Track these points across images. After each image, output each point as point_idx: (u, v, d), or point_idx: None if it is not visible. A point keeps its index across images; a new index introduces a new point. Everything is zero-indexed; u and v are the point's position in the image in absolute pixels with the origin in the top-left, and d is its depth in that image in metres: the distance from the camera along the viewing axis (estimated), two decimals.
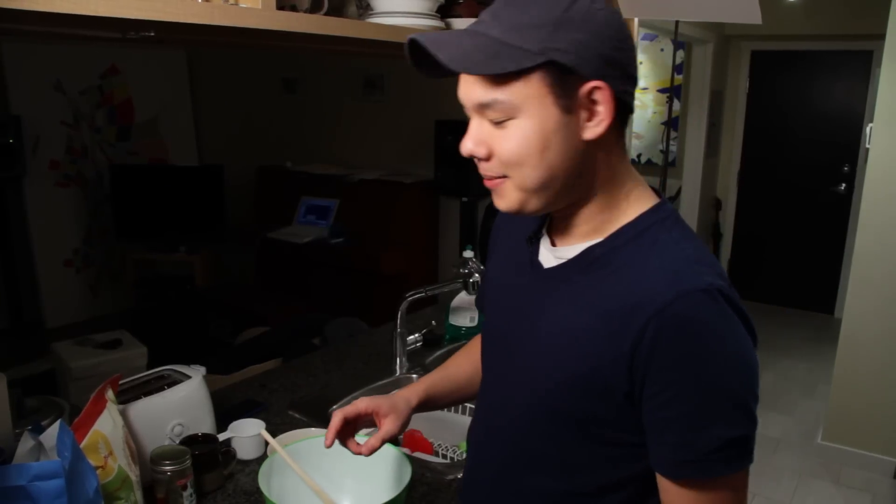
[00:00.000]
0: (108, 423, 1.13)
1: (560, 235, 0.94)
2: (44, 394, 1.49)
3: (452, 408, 1.83)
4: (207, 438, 1.37)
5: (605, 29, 0.80)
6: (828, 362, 4.13)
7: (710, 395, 0.80)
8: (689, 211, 5.40)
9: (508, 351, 0.98)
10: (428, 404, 1.19)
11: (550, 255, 0.94)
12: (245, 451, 1.43)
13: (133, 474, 1.15)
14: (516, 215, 0.90)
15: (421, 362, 1.98)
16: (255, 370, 2.19)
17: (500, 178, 0.86)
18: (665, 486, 0.86)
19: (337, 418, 1.05)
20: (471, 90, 0.83)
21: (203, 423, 1.41)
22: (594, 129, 0.82)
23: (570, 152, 0.83)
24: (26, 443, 1.03)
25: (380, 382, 1.88)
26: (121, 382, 1.33)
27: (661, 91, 5.67)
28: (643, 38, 5.42)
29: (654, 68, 5.67)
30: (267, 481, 1.10)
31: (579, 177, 0.85)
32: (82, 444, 1.07)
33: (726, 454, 0.81)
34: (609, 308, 0.84)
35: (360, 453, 1.07)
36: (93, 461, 1.06)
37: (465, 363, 1.26)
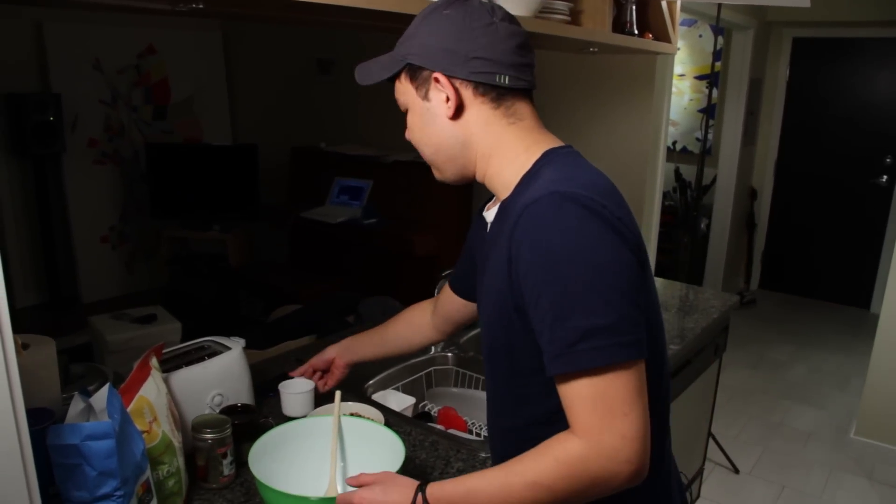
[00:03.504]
0: (152, 390, 1.15)
1: (495, 201, 1.09)
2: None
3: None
4: (247, 409, 1.39)
5: (448, 26, 0.97)
6: (862, 356, 4.08)
7: (564, 287, 0.85)
8: (724, 200, 5.33)
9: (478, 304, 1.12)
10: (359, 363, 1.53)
11: (490, 218, 1.09)
12: (292, 408, 1.47)
13: (176, 440, 1.17)
14: (444, 183, 1.10)
15: (455, 341, 1.99)
16: (290, 346, 2.21)
17: None
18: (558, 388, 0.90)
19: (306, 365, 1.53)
20: None
21: (242, 393, 1.43)
22: (449, 108, 1.00)
23: (439, 128, 1.02)
24: (77, 405, 1.06)
25: (413, 360, 1.90)
26: (162, 353, 1.35)
27: (698, 78, 5.58)
28: (681, 24, 5.34)
29: (691, 54, 5.58)
30: (258, 461, 1.12)
31: (465, 146, 1.03)
32: (129, 409, 1.09)
33: (591, 344, 0.84)
34: (502, 243, 0.95)
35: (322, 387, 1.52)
36: (138, 426, 1.08)
37: (401, 328, 1.49)
